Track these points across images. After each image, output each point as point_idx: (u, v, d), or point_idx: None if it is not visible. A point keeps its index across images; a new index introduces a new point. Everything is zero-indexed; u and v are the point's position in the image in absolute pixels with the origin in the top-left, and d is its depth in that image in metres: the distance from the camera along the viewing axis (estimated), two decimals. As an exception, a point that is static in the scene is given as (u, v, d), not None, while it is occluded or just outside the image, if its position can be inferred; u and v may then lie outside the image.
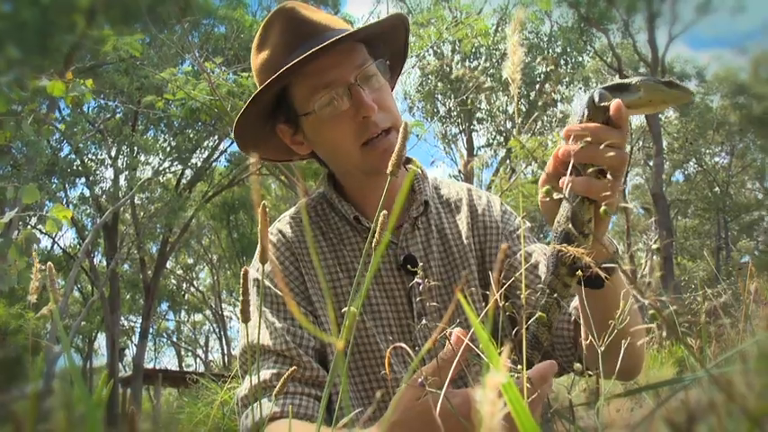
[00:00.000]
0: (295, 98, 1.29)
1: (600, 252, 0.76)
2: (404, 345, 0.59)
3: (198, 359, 32.85)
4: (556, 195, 0.86)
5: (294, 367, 0.86)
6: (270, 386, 1.21)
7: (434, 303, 1.26)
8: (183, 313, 32.13)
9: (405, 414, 0.92)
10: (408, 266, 1.31)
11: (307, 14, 1.29)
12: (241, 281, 0.66)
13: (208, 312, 30.18)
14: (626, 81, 0.94)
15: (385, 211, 0.75)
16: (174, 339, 32.97)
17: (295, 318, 1.27)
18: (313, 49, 1.19)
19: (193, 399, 6.76)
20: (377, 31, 1.32)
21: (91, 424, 0.52)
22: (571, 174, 0.88)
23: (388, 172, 0.70)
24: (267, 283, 1.30)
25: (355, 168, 1.31)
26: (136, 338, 22.90)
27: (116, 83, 14.59)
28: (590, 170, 0.90)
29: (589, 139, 0.88)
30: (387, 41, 1.36)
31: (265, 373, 1.22)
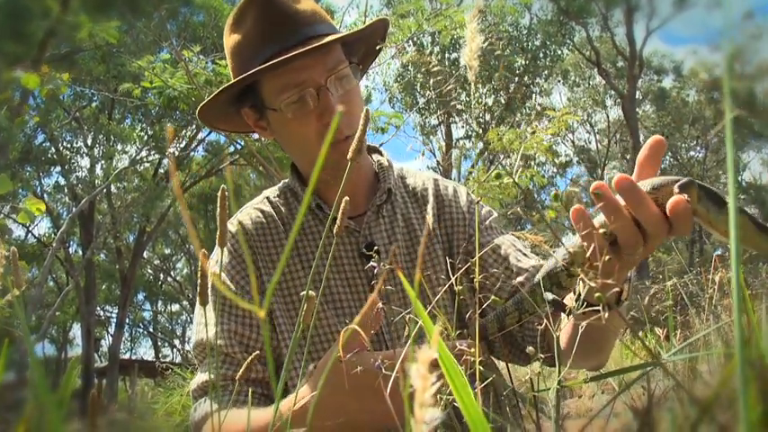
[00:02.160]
0: (263, 91, 1.29)
1: (606, 287, 0.73)
2: (358, 328, 0.60)
3: (175, 349, 32.68)
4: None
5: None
6: (213, 387, 1.23)
7: (390, 287, 1.27)
8: (159, 303, 31.92)
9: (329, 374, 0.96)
10: (364, 250, 1.32)
11: (285, 2, 1.28)
12: (199, 263, 0.66)
13: (185, 303, 29.99)
14: (723, 197, 0.82)
15: (347, 197, 0.75)
16: (151, 330, 32.76)
17: (245, 316, 1.27)
18: (289, 54, 1.19)
19: (168, 389, 6.74)
20: (355, 34, 1.33)
21: (53, 419, 0.52)
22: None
23: (348, 158, 0.71)
24: (223, 276, 1.31)
25: (315, 165, 1.32)
26: (112, 329, 22.73)
27: (92, 70, 14.39)
28: (602, 231, 0.83)
29: (618, 202, 0.82)
30: (364, 40, 1.37)
31: (206, 376, 1.27)
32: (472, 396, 0.41)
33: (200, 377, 1.29)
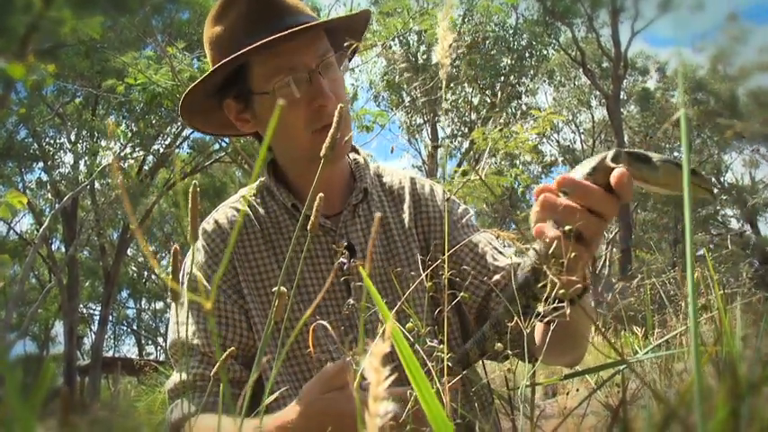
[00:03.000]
0: (252, 76, 1.29)
1: (570, 283, 0.76)
2: (326, 323, 0.60)
3: (158, 347, 32.50)
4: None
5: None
6: (192, 386, 1.22)
7: (360, 283, 1.27)
8: (143, 301, 31.74)
9: (308, 407, 0.99)
10: (335, 248, 1.31)
11: None
12: (171, 260, 0.66)
13: (169, 300, 29.79)
14: (649, 155, 0.90)
15: (321, 194, 0.76)
16: (135, 327, 32.56)
17: (221, 316, 1.27)
18: (284, 32, 1.20)
19: (151, 387, 6.70)
20: (341, 23, 1.34)
21: (24, 422, 0.51)
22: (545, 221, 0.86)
23: (321, 155, 0.71)
24: (200, 275, 1.30)
25: (302, 153, 1.31)
26: (95, 326, 22.56)
27: (76, 66, 14.28)
28: (566, 228, 0.84)
29: (569, 203, 0.84)
30: (347, 30, 1.37)
31: (184, 375, 1.24)
32: (432, 391, 0.41)
33: (177, 377, 1.28)
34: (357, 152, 1.47)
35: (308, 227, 0.73)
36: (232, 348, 0.90)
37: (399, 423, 0.73)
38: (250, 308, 1.28)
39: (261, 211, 1.37)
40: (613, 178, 0.85)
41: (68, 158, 17.23)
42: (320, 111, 1.25)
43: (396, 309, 0.86)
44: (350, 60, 1.48)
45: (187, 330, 1.24)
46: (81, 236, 17.62)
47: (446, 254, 0.73)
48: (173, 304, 1.29)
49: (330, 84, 1.27)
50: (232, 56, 1.24)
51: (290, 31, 1.20)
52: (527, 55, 19.77)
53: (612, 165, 0.87)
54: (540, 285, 0.88)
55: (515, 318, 0.90)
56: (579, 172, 0.89)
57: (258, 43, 1.20)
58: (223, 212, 1.38)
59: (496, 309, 0.98)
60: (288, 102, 1.24)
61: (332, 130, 0.72)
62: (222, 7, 1.32)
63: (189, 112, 1.38)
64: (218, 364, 0.85)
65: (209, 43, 1.34)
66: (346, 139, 1.28)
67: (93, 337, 21.37)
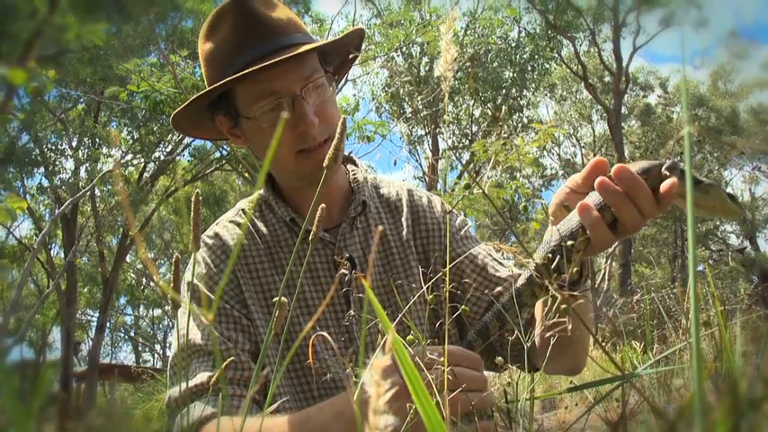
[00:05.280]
0: (238, 99, 1.29)
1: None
2: (326, 334, 0.60)
3: (155, 355, 32.43)
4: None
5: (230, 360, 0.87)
6: (207, 388, 1.18)
7: (360, 295, 1.26)
8: (141, 308, 31.67)
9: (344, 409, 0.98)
10: (337, 260, 1.31)
11: (260, 10, 1.28)
12: (172, 268, 0.65)
13: (167, 308, 29.72)
14: (699, 177, 0.95)
15: (323, 205, 0.76)
16: (132, 334, 32.49)
17: (230, 322, 1.25)
18: (263, 64, 1.19)
19: (148, 394, 6.68)
20: (332, 44, 1.33)
21: (20, 430, 0.51)
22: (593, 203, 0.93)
23: (324, 165, 0.71)
24: (201, 286, 1.29)
25: (290, 174, 1.32)
26: (92, 332, 22.52)
27: (79, 72, 14.31)
28: (606, 214, 0.92)
29: (619, 189, 0.91)
30: (339, 49, 1.37)
31: (202, 376, 1.19)
32: (432, 403, 0.41)
33: (192, 381, 1.21)
34: (355, 164, 1.47)
35: (310, 238, 0.73)
36: (231, 359, 0.89)
37: None
38: (254, 318, 1.27)
39: (260, 225, 1.37)
40: (665, 185, 0.91)
41: (69, 164, 17.24)
42: (303, 134, 1.25)
43: (396, 321, 0.85)
44: (340, 80, 1.47)
45: (186, 336, 1.23)
46: (80, 242, 17.60)
47: (448, 266, 0.73)
48: (179, 312, 1.27)
49: (316, 105, 1.26)
50: (211, 87, 1.25)
51: (266, 63, 1.19)
52: (529, 68, 19.82)
53: (666, 173, 0.92)
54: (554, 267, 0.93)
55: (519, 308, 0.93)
56: (634, 168, 0.94)
57: (236, 75, 1.20)
58: (223, 226, 1.38)
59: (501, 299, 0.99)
60: (272, 125, 1.25)
61: (335, 142, 0.72)
62: (211, 24, 1.32)
63: (182, 125, 1.39)
64: (219, 366, 0.85)
65: (202, 59, 1.34)
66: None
67: (91, 343, 21.28)
